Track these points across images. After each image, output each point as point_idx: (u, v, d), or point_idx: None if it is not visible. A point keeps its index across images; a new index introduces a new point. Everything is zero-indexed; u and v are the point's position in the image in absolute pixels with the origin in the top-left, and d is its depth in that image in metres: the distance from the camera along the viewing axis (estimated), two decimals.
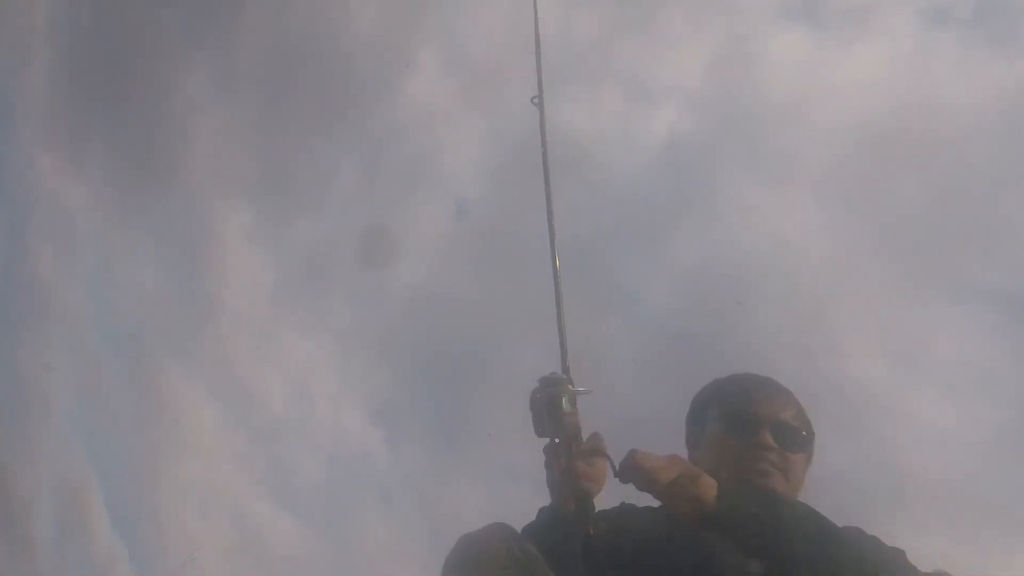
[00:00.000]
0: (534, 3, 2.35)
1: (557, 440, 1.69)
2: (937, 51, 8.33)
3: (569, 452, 1.66)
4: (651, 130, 9.06)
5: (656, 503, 1.70)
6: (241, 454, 9.30)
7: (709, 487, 1.57)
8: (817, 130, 8.24)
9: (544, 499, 1.77)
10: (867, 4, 8.86)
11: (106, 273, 9.98)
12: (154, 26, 9.77)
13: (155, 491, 8.94)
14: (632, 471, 1.61)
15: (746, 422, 1.81)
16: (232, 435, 9.36)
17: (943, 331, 7.59)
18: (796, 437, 1.82)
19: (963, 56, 8.11)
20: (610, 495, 1.76)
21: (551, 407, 1.69)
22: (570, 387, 1.72)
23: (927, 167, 7.75)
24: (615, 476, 1.65)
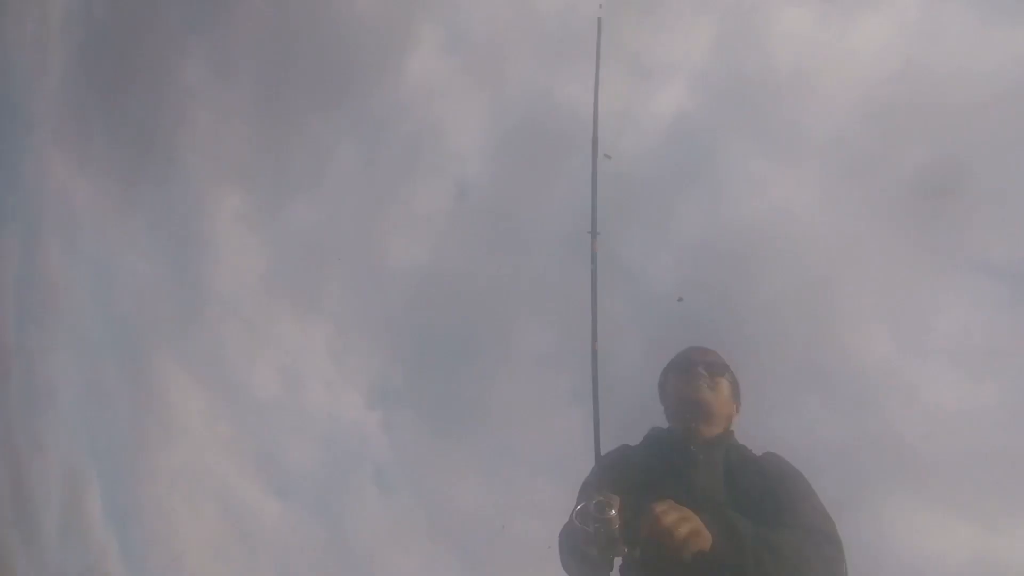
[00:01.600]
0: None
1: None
2: (945, 19, 8.19)
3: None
4: (656, 107, 8.94)
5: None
6: (238, 441, 9.32)
7: (706, 539, 2.15)
8: (824, 101, 8.13)
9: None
10: None
11: (103, 260, 9.94)
12: (151, 9, 9.69)
13: (153, 479, 8.97)
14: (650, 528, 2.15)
15: (685, 365, 2.66)
16: (229, 422, 9.38)
17: (949, 305, 7.53)
18: (720, 368, 2.64)
19: (971, 24, 7.97)
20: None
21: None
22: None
23: (935, 138, 7.64)
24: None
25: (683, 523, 2.13)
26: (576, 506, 2.25)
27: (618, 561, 2.30)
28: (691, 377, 2.60)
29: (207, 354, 9.68)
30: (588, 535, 2.18)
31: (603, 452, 2.53)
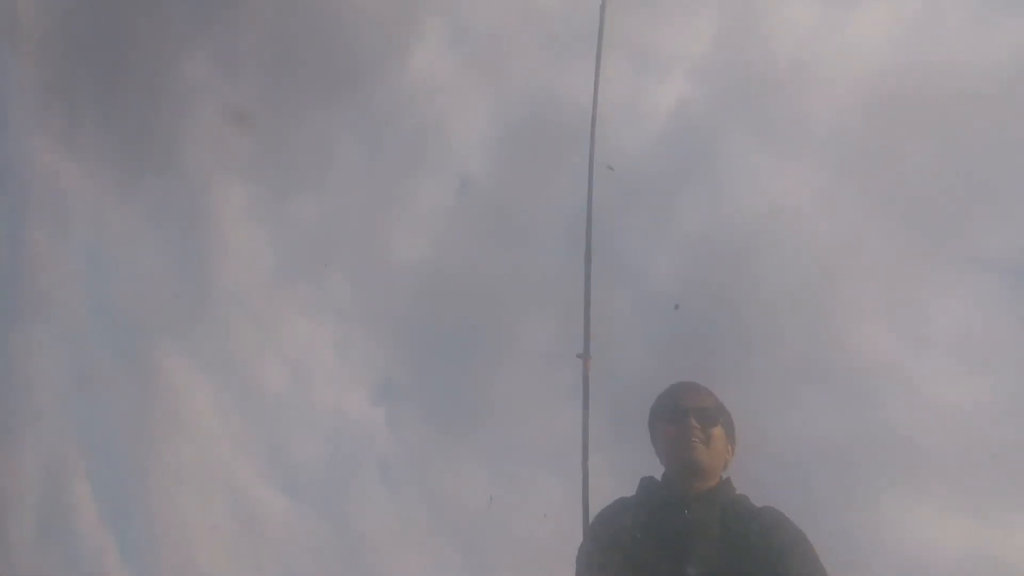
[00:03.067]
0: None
1: None
2: (946, 11, 8.15)
3: None
4: (654, 101, 8.93)
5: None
6: (241, 436, 9.32)
7: None
8: (825, 94, 8.10)
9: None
10: None
11: (103, 254, 9.92)
12: (149, 3, 9.65)
13: (154, 476, 8.99)
14: None
15: (675, 413, 2.52)
16: (232, 417, 9.38)
17: (947, 300, 7.53)
18: (713, 416, 2.52)
19: (973, 17, 7.94)
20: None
21: None
22: None
23: (937, 130, 7.62)
24: None
25: None
26: None
27: None
28: (683, 431, 2.49)
29: (209, 349, 9.69)
30: None
31: (600, 505, 2.57)
